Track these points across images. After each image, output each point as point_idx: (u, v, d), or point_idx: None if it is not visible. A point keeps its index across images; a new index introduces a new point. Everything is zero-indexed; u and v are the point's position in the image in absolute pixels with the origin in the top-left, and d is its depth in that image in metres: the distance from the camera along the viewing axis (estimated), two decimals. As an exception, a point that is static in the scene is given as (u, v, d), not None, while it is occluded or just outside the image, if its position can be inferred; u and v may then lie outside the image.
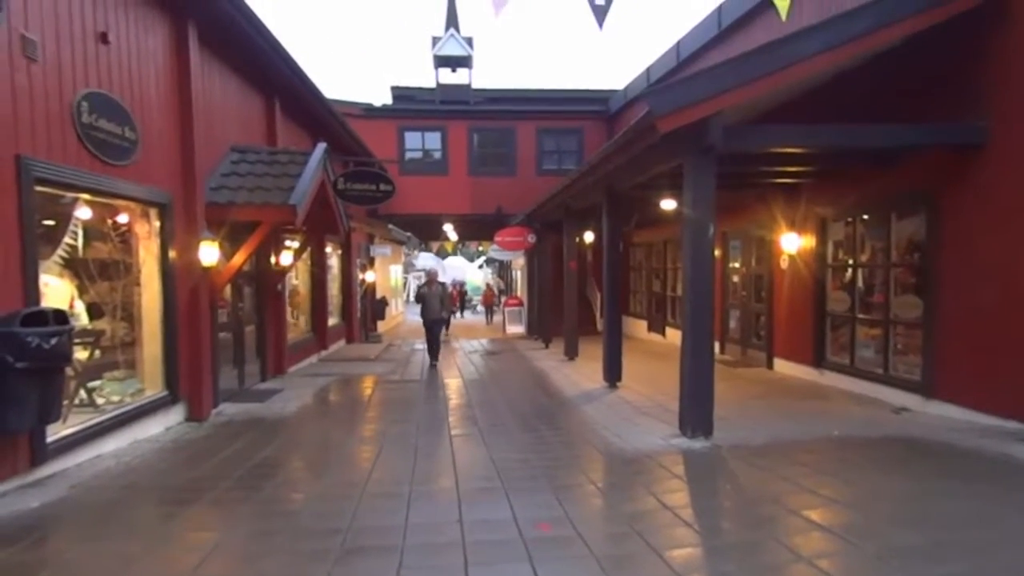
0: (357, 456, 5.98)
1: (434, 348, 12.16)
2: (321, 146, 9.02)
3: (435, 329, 12.26)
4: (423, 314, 12.28)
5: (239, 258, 7.83)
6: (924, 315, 7.08)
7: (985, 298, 6.24)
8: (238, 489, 4.84)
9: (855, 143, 6.71)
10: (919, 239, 7.28)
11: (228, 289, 8.31)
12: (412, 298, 12.05)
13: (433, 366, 11.76)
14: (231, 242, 7.94)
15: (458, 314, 27.81)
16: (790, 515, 4.12)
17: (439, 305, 12.24)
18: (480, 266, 42.33)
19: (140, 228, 6.63)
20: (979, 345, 6.33)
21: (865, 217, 8.29)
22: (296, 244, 10.40)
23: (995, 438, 5.68)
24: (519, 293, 21.76)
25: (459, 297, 29.03)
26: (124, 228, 6.52)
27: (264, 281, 9.77)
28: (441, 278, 13.09)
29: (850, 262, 8.63)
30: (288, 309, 11.22)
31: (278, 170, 8.22)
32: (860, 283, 8.45)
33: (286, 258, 10.04)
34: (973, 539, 3.68)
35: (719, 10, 11.86)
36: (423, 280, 12.82)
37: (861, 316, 8.33)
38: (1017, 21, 5.94)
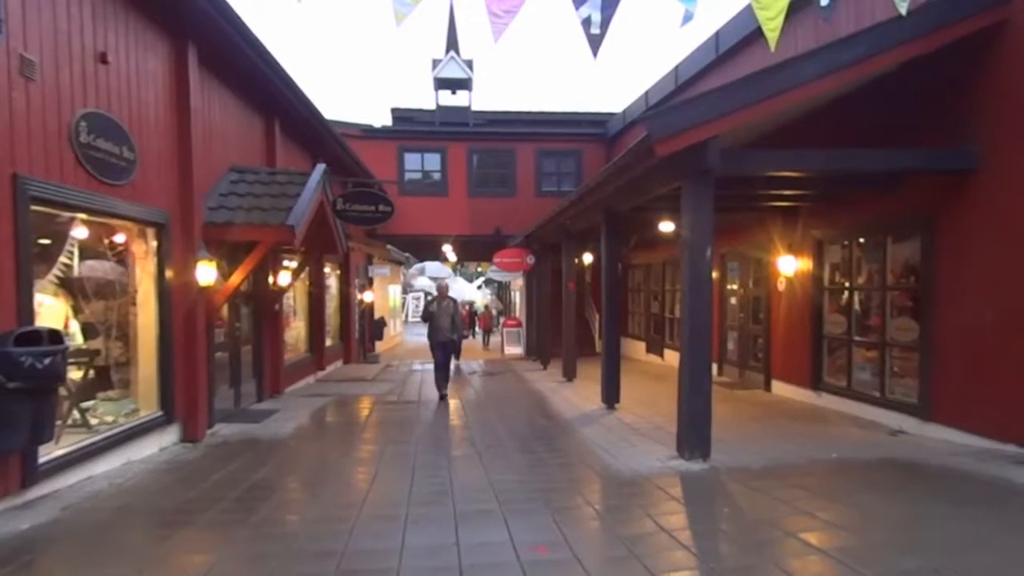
0: (353, 477, 5.93)
1: (443, 376, 10.37)
2: (320, 167, 9.08)
3: (445, 352, 10.41)
4: (430, 335, 10.46)
5: (236, 278, 7.84)
6: (920, 338, 7.08)
7: (981, 321, 6.25)
8: (233, 511, 4.79)
9: (850, 167, 6.77)
10: (915, 262, 7.31)
11: (225, 309, 8.30)
12: (420, 316, 9.93)
13: (443, 398, 10.12)
14: (229, 262, 7.95)
15: (469, 336, 26.61)
16: (788, 538, 4.09)
17: (449, 324, 10.35)
18: (479, 287, 42.41)
19: (137, 248, 6.64)
20: (976, 368, 6.33)
21: (861, 240, 8.33)
22: (294, 264, 10.41)
23: (992, 461, 5.66)
24: (518, 314, 21.75)
25: (469, 317, 27.80)
26: (120, 247, 6.54)
27: (262, 301, 9.76)
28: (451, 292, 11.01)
29: (847, 285, 8.65)
30: (285, 329, 11.19)
31: (277, 190, 8.26)
32: (857, 306, 8.47)
33: (284, 278, 10.04)
34: (971, 563, 3.65)
35: (717, 35, 12.02)
36: (432, 295, 10.66)
37: (858, 339, 8.33)
38: (1005, 49, 6.04)
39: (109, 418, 6.27)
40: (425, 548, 4.02)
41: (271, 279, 9.86)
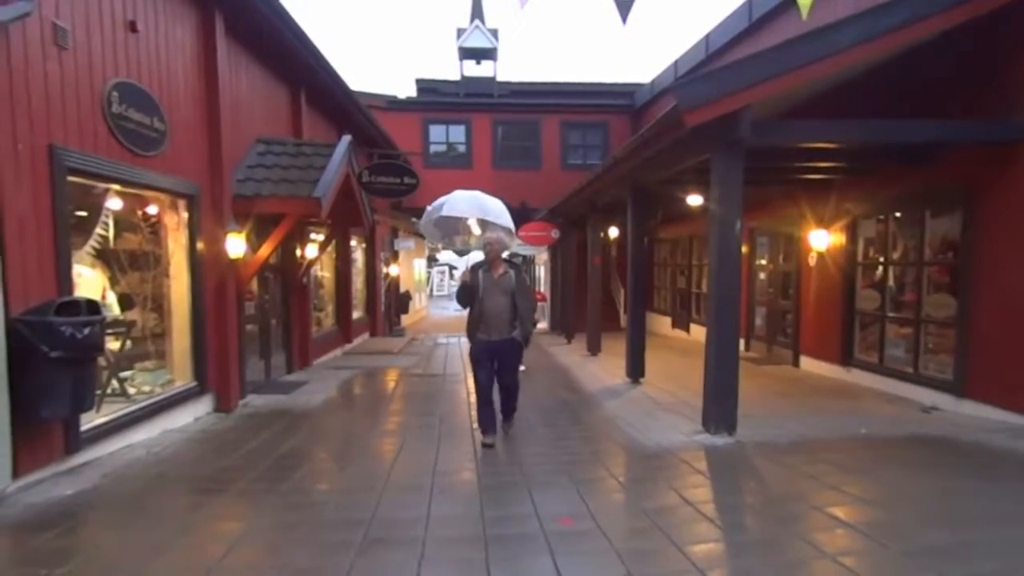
0: (380, 448, 6.03)
1: (491, 411, 5.79)
2: (346, 138, 9.06)
3: (502, 361, 5.79)
4: (471, 330, 5.79)
5: (265, 250, 7.92)
6: (957, 314, 6.92)
7: (1022, 297, 6.08)
8: (264, 480, 4.91)
9: (888, 139, 6.58)
10: (954, 237, 7.12)
11: (254, 282, 8.41)
12: (456, 297, 6.20)
13: (488, 445, 5.66)
14: (257, 234, 8.02)
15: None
16: (814, 512, 4.06)
17: (509, 310, 5.69)
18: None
19: (169, 219, 6.73)
20: (1014, 344, 6.17)
21: (898, 215, 8.12)
22: (321, 237, 10.48)
23: (1029, 440, 5.55)
24: (542, 288, 21.72)
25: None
26: (154, 219, 6.62)
27: (289, 274, 9.87)
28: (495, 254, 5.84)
29: (881, 260, 8.47)
30: (313, 302, 11.30)
31: (303, 162, 8.27)
32: (891, 281, 8.29)
33: (311, 251, 10.12)
34: (1003, 539, 3.60)
35: (750, 2, 11.68)
36: (477, 259, 6.15)
37: (891, 314, 8.17)
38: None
39: (146, 388, 6.43)
40: (450, 518, 4.08)
41: (299, 252, 9.95)
